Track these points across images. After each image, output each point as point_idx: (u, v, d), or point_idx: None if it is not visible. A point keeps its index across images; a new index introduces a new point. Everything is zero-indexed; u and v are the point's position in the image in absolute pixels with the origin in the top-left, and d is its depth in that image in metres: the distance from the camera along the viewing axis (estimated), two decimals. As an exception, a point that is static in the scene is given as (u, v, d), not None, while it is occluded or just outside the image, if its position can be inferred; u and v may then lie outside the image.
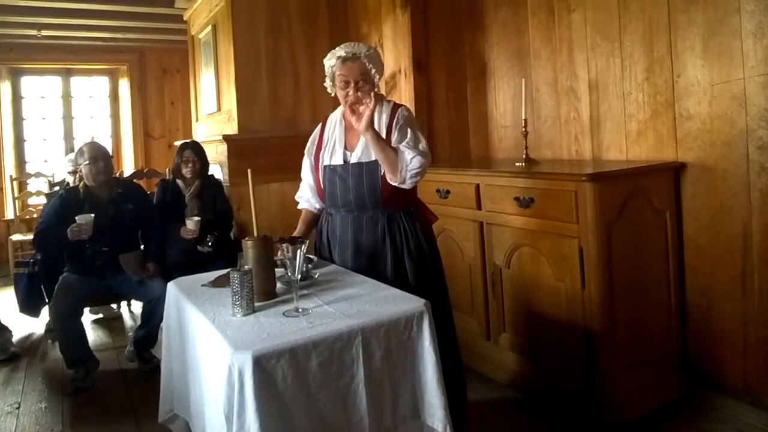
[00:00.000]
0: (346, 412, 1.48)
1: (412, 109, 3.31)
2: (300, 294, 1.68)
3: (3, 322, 3.54)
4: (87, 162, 3.08)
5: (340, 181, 2.07)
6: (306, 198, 2.29)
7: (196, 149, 3.56)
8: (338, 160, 2.10)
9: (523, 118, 2.95)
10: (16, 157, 6.33)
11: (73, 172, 3.87)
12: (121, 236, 3.18)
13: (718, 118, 2.39)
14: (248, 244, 1.76)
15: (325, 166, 2.13)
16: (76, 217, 2.93)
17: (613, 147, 2.84)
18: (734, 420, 2.32)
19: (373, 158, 2.00)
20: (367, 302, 1.67)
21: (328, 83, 2.14)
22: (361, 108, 1.95)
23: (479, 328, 2.87)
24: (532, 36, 3.25)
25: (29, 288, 3.51)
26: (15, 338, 3.59)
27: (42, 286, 3.48)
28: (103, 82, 6.88)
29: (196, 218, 3.31)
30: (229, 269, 1.73)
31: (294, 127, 4.21)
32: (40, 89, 6.54)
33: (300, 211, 2.36)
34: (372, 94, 1.98)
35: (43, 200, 5.07)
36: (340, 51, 2.05)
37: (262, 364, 1.36)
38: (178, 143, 3.94)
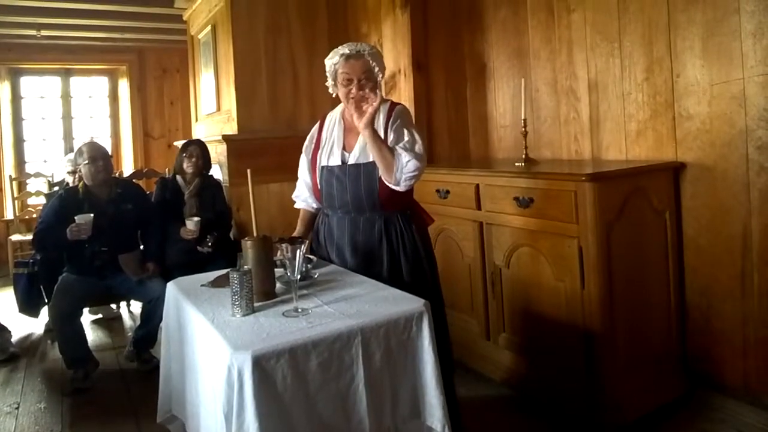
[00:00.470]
0: (346, 412, 1.48)
1: (412, 109, 3.31)
2: (299, 294, 1.68)
3: (2, 323, 3.54)
4: (86, 162, 3.07)
5: (338, 182, 2.07)
6: (303, 198, 2.29)
7: (201, 146, 3.60)
8: (336, 161, 2.09)
9: (523, 118, 2.95)
10: (15, 157, 6.32)
11: (73, 172, 3.87)
12: (121, 236, 3.18)
13: (718, 118, 2.39)
14: (248, 245, 1.76)
15: (322, 167, 2.12)
16: (76, 217, 2.92)
17: (612, 147, 2.84)
18: (734, 420, 2.32)
19: (371, 159, 2.00)
20: (367, 302, 1.67)
21: (329, 82, 2.13)
22: (364, 106, 1.94)
23: (479, 328, 2.87)
24: (531, 36, 3.25)
25: (28, 288, 3.50)
26: (14, 338, 3.59)
27: (41, 287, 3.47)
28: (103, 82, 6.88)
29: (196, 218, 3.31)
30: (228, 269, 1.73)
31: (293, 127, 4.21)
32: (40, 89, 6.54)
33: (299, 210, 2.35)
34: (378, 92, 1.96)
35: (42, 200, 5.07)
36: (343, 49, 2.05)
37: (261, 365, 1.36)
38: (177, 143, 3.94)
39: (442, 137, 3.65)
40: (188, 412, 1.78)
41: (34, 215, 5.36)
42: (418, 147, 1.99)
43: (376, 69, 2.04)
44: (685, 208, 2.55)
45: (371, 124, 1.94)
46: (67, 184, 3.94)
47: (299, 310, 1.62)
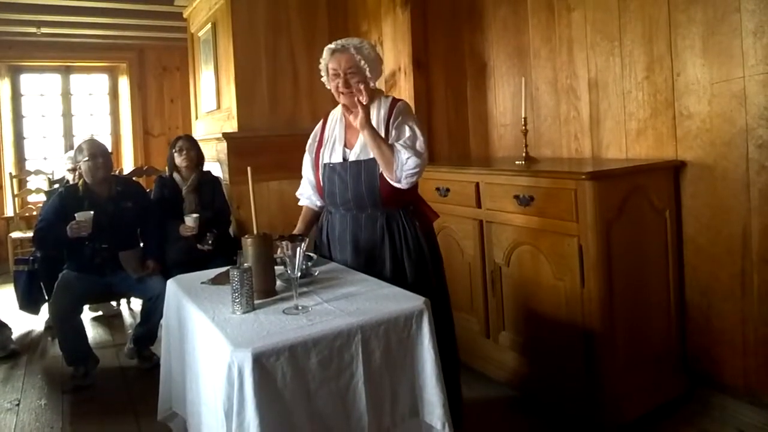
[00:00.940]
0: (346, 410, 1.48)
1: (412, 107, 3.31)
2: (300, 292, 1.69)
3: (3, 320, 3.54)
4: (86, 159, 3.08)
5: (339, 179, 2.07)
6: (307, 195, 2.29)
7: (189, 140, 3.59)
8: (337, 158, 2.10)
9: (523, 116, 2.94)
10: (15, 154, 6.32)
11: (73, 170, 3.86)
12: (121, 234, 3.18)
13: (718, 117, 2.39)
14: (248, 242, 1.76)
15: (324, 164, 2.12)
16: (76, 215, 2.92)
17: (612, 146, 2.84)
18: (734, 419, 2.32)
19: (372, 156, 2.00)
20: (367, 300, 1.67)
21: (324, 78, 2.14)
22: (354, 107, 1.95)
23: (479, 327, 2.88)
24: (531, 35, 3.24)
25: (29, 285, 3.51)
26: (15, 335, 3.60)
27: (41, 284, 3.48)
28: (103, 79, 6.88)
29: (195, 215, 3.31)
30: (228, 267, 1.73)
31: (293, 125, 4.21)
32: (40, 87, 6.54)
33: (300, 209, 2.35)
34: (364, 90, 1.96)
35: (42, 198, 5.07)
36: (331, 44, 2.07)
37: (261, 362, 1.36)
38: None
39: (442, 136, 3.65)
40: (189, 410, 1.79)
41: (35, 212, 5.37)
42: (419, 144, 1.98)
43: (362, 63, 2.02)
44: (686, 207, 2.55)
45: (368, 123, 1.94)
46: (68, 181, 3.95)
47: (299, 307, 1.63)
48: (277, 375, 1.38)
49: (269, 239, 1.80)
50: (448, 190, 2.99)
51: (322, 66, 2.12)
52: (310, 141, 2.24)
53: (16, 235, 5.38)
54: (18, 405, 2.81)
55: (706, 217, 2.47)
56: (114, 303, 4.18)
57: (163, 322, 2.10)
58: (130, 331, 3.64)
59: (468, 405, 2.22)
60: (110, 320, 4.07)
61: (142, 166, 5.95)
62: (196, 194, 3.49)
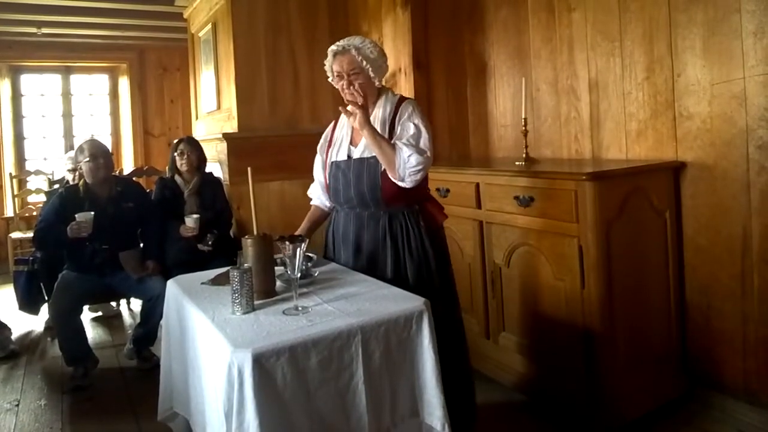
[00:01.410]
0: (346, 410, 1.48)
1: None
2: (300, 292, 1.69)
3: (2, 320, 3.54)
4: (87, 159, 3.08)
5: (343, 177, 2.07)
6: (317, 195, 2.30)
7: (191, 142, 3.57)
8: (342, 156, 2.11)
9: (523, 117, 2.94)
10: (15, 154, 6.32)
11: (73, 170, 3.86)
12: (121, 234, 3.18)
13: (718, 118, 2.39)
14: (248, 243, 1.76)
15: (331, 163, 2.14)
16: (76, 216, 2.92)
17: (613, 146, 2.84)
18: (734, 419, 2.32)
19: (375, 154, 2.00)
20: (367, 301, 1.67)
21: (330, 79, 2.15)
22: (350, 108, 1.96)
23: (479, 328, 2.88)
24: (532, 35, 3.24)
25: (29, 286, 3.51)
26: (14, 336, 3.60)
27: (41, 284, 3.48)
28: (103, 80, 6.88)
29: (195, 216, 3.30)
30: (228, 267, 1.73)
31: (293, 126, 4.21)
32: (40, 87, 6.53)
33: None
34: (358, 93, 1.97)
35: (42, 198, 5.08)
36: (333, 46, 2.07)
37: (261, 363, 1.36)
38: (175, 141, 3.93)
39: (443, 136, 3.65)
40: (192, 410, 1.79)
41: (35, 213, 5.37)
42: (423, 141, 1.96)
43: (365, 63, 2.01)
44: (686, 207, 2.54)
45: (367, 122, 1.94)
46: (68, 181, 3.95)
47: (299, 308, 1.63)
48: (277, 375, 1.38)
49: (269, 240, 1.80)
50: (448, 190, 2.99)
51: (327, 68, 2.12)
52: (321, 141, 2.26)
53: (16, 235, 5.38)
54: (17, 405, 2.81)
55: (706, 218, 2.47)
56: (114, 303, 4.18)
57: (162, 322, 2.09)
58: (129, 331, 3.64)
59: (478, 410, 2.21)
60: (110, 321, 4.07)
61: (143, 167, 5.94)
62: (198, 196, 3.49)
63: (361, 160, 2.04)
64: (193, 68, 5.12)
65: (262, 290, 1.74)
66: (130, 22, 5.56)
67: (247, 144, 3.97)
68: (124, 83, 6.83)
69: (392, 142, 1.96)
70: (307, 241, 2.09)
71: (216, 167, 4.11)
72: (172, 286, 2.00)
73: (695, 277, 2.53)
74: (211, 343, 1.53)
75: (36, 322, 3.86)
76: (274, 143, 4.01)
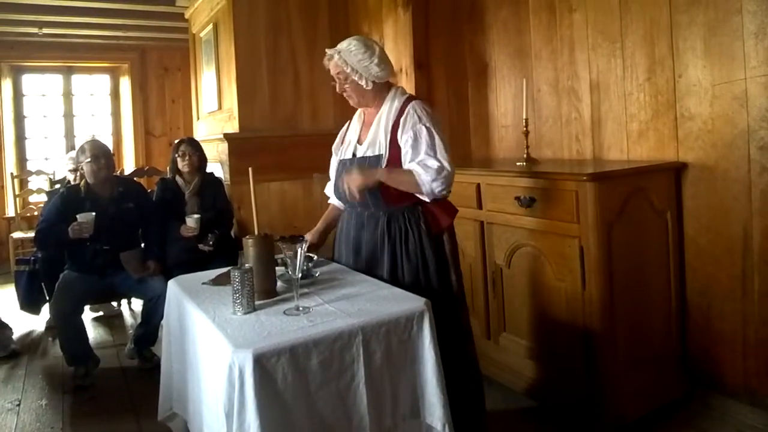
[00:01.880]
0: (347, 411, 1.48)
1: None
2: (300, 292, 1.69)
3: (3, 320, 3.54)
4: (88, 159, 3.08)
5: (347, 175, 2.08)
6: (332, 194, 2.30)
7: (192, 143, 3.56)
8: (348, 154, 2.12)
9: (524, 117, 2.94)
10: (17, 154, 6.33)
11: (74, 170, 3.87)
12: (122, 234, 3.18)
13: (720, 119, 2.39)
14: (249, 243, 1.76)
15: (339, 161, 2.16)
16: (77, 216, 2.93)
17: (614, 147, 2.84)
18: (734, 420, 2.32)
19: (377, 153, 2.00)
20: (368, 301, 1.68)
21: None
22: (341, 186, 2.00)
23: (479, 328, 2.87)
24: (533, 36, 3.24)
25: (30, 286, 3.51)
26: (15, 336, 3.60)
27: (42, 284, 3.48)
28: (104, 80, 6.89)
29: (196, 216, 3.30)
30: (229, 267, 1.73)
31: (294, 126, 4.21)
32: (41, 87, 6.55)
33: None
34: (346, 183, 1.96)
35: (44, 198, 5.08)
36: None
37: (262, 363, 1.36)
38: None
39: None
40: (190, 410, 1.79)
41: (36, 213, 5.38)
42: (440, 152, 1.93)
43: (347, 68, 2.01)
44: (686, 208, 2.54)
45: (371, 177, 1.92)
46: (69, 182, 3.95)
47: (300, 308, 1.63)
48: (277, 376, 1.38)
49: (270, 240, 1.80)
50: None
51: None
52: (336, 141, 2.27)
53: (17, 235, 5.39)
54: (19, 405, 2.81)
55: (706, 219, 2.47)
56: (115, 303, 4.18)
57: (163, 322, 2.10)
58: (130, 331, 3.65)
59: (488, 417, 2.21)
60: (111, 321, 4.07)
61: (144, 167, 5.95)
62: (199, 197, 3.49)
63: (363, 158, 2.04)
64: (194, 68, 5.12)
65: (263, 290, 1.74)
66: (132, 22, 5.57)
67: (248, 144, 3.98)
68: (125, 83, 6.84)
69: (408, 169, 1.93)
70: (308, 241, 2.09)
71: (217, 167, 4.11)
72: (172, 286, 2.00)
73: (696, 278, 2.53)
74: (211, 344, 1.54)
75: (37, 322, 3.87)
76: (275, 143, 4.02)
